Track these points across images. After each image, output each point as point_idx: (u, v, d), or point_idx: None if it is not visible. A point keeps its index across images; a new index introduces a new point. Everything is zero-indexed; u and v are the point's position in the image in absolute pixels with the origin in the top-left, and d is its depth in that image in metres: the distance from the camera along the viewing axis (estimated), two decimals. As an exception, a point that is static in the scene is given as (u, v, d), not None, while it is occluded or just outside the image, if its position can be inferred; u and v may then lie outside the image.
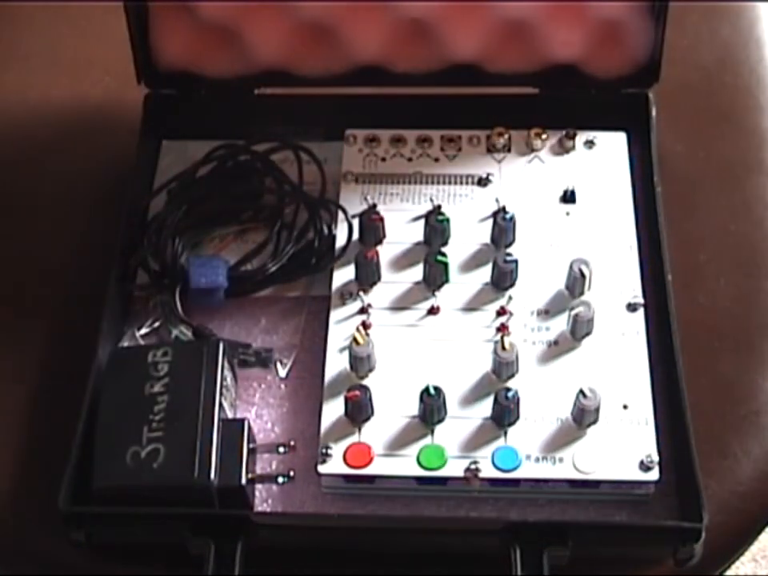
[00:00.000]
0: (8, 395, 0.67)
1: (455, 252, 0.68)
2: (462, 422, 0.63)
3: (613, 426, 0.62)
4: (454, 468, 0.61)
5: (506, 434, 0.62)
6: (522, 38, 0.75)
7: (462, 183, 0.71)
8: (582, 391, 0.61)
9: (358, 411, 0.63)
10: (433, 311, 0.66)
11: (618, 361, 0.64)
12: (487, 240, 0.69)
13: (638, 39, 0.75)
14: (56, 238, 0.74)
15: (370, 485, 0.62)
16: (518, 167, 0.72)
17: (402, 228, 0.70)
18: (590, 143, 0.72)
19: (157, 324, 0.68)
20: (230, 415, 0.63)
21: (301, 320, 0.69)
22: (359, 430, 0.62)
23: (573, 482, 0.61)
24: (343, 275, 0.68)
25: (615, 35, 0.75)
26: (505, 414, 0.62)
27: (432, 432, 0.62)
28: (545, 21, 0.74)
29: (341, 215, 0.69)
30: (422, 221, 0.69)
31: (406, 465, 0.61)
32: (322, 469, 0.62)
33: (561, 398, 0.63)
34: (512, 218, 0.68)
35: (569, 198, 0.71)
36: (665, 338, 0.65)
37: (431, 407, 0.62)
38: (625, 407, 0.63)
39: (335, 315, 0.67)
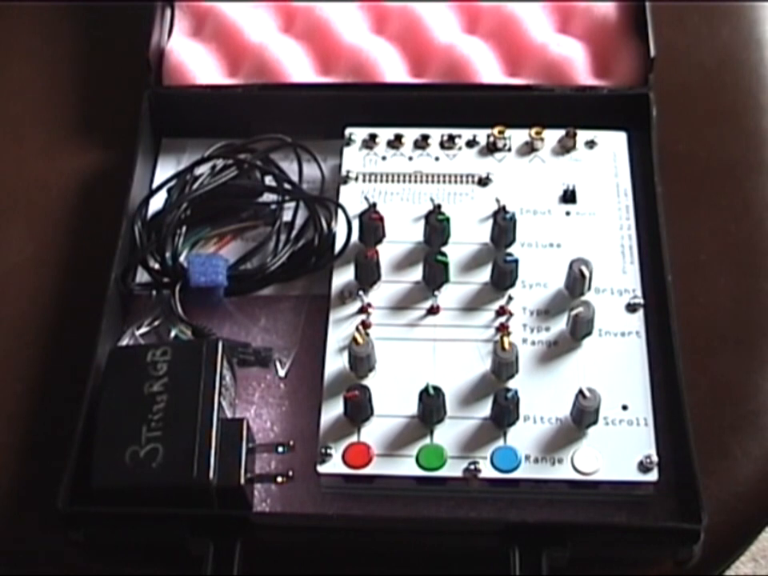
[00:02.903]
0: (7, 394, 0.67)
1: (455, 252, 0.68)
2: (461, 422, 0.62)
3: (612, 426, 0.62)
4: (454, 468, 0.61)
5: (505, 434, 0.62)
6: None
7: (462, 182, 0.71)
8: (581, 392, 0.61)
9: (358, 411, 0.62)
10: (432, 311, 0.66)
11: (617, 361, 0.64)
12: (487, 240, 0.69)
13: (625, 38, 0.75)
14: (55, 236, 0.73)
15: (369, 485, 0.62)
16: (519, 167, 0.72)
17: (401, 227, 0.69)
18: (590, 143, 0.72)
19: (156, 323, 0.68)
20: (229, 415, 0.63)
21: (300, 319, 0.69)
22: (358, 429, 0.62)
23: (572, 483, 0.61)
24: (343, 275, 0.68)
25: (604, 35, 0.76)
26: (504, 415, 0.62)
27: (431, 432, 0.62)
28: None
29: (340, 214, 0.69)
30: (422, 220, 0.69)
31: (405, 465, 0.61)
32: (321, 469, 0.61)
33: (560, 399, 0.63)
34: (512, 218, 0.68)
35: (569, 197, 0.70)
36: (665, 339, 0.65)
37: (430, 407, 0.62)
38: (624, 408, 0.63)
39: (335, 315, 0.66)
